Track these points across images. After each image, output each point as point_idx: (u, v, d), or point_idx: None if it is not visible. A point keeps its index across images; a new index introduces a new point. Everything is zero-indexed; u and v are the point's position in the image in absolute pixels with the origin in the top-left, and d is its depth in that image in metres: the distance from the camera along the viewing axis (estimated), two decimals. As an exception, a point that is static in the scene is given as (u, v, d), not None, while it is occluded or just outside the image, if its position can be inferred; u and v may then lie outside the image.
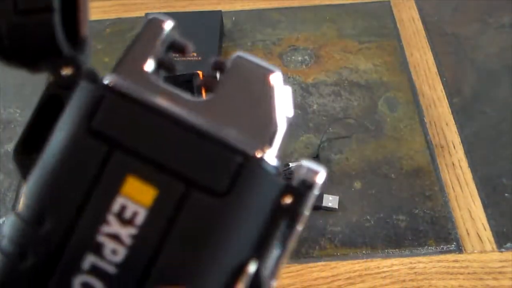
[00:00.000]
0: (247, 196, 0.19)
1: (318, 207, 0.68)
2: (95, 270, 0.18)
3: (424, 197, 0.70)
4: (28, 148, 0.20)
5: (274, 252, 0.19)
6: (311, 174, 0.19)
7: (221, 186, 0.18)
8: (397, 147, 0.75)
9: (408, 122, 0.78)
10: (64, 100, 0.20)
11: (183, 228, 0.18)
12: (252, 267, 0.19)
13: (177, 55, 0.21)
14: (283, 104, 0.20)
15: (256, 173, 0.19)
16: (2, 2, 0.20)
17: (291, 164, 0.70)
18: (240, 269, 0.19)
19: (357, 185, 0.72)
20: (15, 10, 0.20)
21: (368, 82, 0.83)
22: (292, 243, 0.19)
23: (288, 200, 0.19)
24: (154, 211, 0.18)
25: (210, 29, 0.85)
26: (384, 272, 0.64)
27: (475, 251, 0.65)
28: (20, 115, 0.82)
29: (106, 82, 0.20)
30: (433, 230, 0.67)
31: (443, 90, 0.82)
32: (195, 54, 0.80)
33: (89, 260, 0.18)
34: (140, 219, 0.18)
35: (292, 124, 0.20)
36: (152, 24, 0.21)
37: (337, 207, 0.69)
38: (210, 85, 0.20)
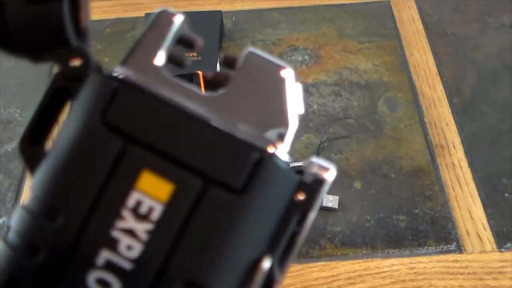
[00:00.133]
0: (264, 193, 0.19)
1: (318, 207, 0.68)
2: (110, 266, 0.18)
3: (424, 197, 0.70)
4: (35, 140, 0.20)
5: (284, 247, 0.19)
6: (322, 171, 0.20)
7: (238, 183, 0.18)
8: (397, 147, 0.75)
9: (408, 122, 0.78)
10: (72, 93, 0.20)
11: (200, 224, 0.18)
12: (266, 263, 0.19)
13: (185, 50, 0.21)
14: (295, 100, 0.20)
15: (272, 169, 0.19)
16: None
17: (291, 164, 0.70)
18: (255, 265, 0.19)
19: (357, 185, 0.72)
20: None
21: (368, 82, 0.83)
22: (302, 239, 0.19)
23: (301, 196, 0.19)
24: (170, 206, 0.18)
25: (210, 29, 0.85)
26: (384, 272, 0.64)
27: (475, 251, 0.65)
28: (20, 115, 0.81)
29: (117, 74, 0.19)
30: (433, 230, 0.67)
31: (443, 90, 0.82)
32: (195, 54, 0.80)
33: (104, 255, 0.18)
34: (156, 214, 0.18)
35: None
36: (162, 17, 0.20)
37: (337, 207, 0.69)
38: (221, 81, 0.20)
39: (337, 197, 0.69)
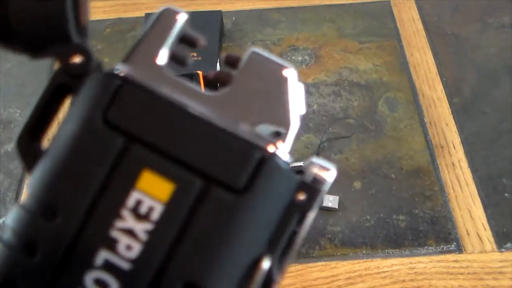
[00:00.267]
0: (265, 193, 0.19)
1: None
2: (108, 266, 0.18)
3: (424, 197, 0.70)
4: (33, 136, 0.20)
5: (283, 247, 0.19)
6: (323, 171, 0.19)
7: (240, 183, 0.18)
8: (397, 147, 0.75)
9: (408, 122, 0.78)
10: (73, 89, 0.20)
11: (200, 224, 0.18)
12: (266, 263, 0.18)
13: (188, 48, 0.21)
14: (297, 101, 0.20)
15: (273, 169, 0.19)
16: None
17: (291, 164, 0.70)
18: (254, 265, 0.18)
19: (357, 185, 0.72)
20: None
21: (368, 82, 0.83)
22: (301, 239, 0.19)
23: (301, 196, 0.19)
24: (171, 206, 0.18)
25: (210, 29, 0.85)
26: (384, 272, 0.64)
27: (475, 251, 0.65)
28: (20, 115, 0.81)
29: (119, 72, 0.19)
30: (433, 230, 0.67)
31: (443, 90, 0.82)
32: (195, 54, 0.80)
33: (103, 255, 0.18)
34: (156, 214, 0.18)
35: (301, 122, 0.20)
36: (166, 15, 0.20)
37: (337, 207, 0.69)
38: (223, 80, 0.20)
39: (337, 197, 0.69)
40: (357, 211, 0.69)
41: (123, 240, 0.18)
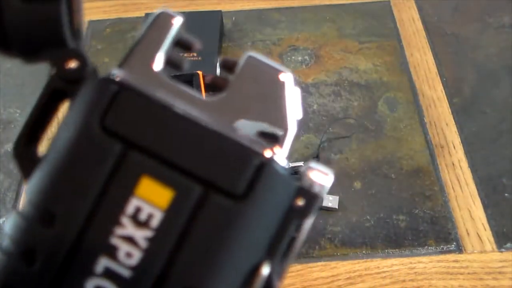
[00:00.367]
0: (264, 199, 0.18)
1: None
2: (108, 274, 0.18)
3: (424, 197, 0.70)
4: (29, 143, 0.20)
5: (282, 253, 0.19)
6: (321, 176, 0.19)
7: (239, 189, 0.18)
8: (397, 147, 0.75)
9: (408, 122, 0.78)
10: (68, 95, 0.20)
11: (200, 231, 0.18)
12: (265, 269, 0.18)
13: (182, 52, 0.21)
14: (294, 105, 0.20)
15: (272, 175, 0.19)
16: None
17: (290, 164, 0.70)
18: (254, 271, 0.18)
19: (357, 185, 0.72)
20: None
21: (368, 82, 0.83)
22: (300, 244, 0.19)
23: (300, 202, 0.19)
24: (170, 213, 0.18)
25: (210, 29, 0.85)
26: (384, 272, 0.64)
27: (475, 251, 0.65)
28: (20, 115, 0.81)
29: (116, 77, 0.19)
30: (433, 230, 0.67)
31: (443, 90, 0.82)
32: (195, 54, 0.80)
33: (103, 263, 0.18)
34: (156, 221, 0.18)
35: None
36: (161, 19, 0.20)
37: (337, 207, 0.69)
38: (220, 85, 0.20)
39: (337, 197, 0.69)
40: (357, 211, 0.69)
41: (123, 247, 0.18)
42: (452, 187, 0.71)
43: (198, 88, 0.67)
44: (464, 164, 0.73)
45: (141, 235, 0.18)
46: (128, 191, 0.18)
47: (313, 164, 0.20)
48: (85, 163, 0.18)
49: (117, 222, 0.18)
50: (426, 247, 0.66)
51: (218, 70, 0.82)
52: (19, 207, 0.19)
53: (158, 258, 0.18)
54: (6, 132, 0.80)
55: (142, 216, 0.18)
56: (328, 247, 0.66)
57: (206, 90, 0.66)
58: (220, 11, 0.89)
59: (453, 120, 0.78)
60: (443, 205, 0.69)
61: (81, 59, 0.20)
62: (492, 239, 0.66)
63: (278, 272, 0.19)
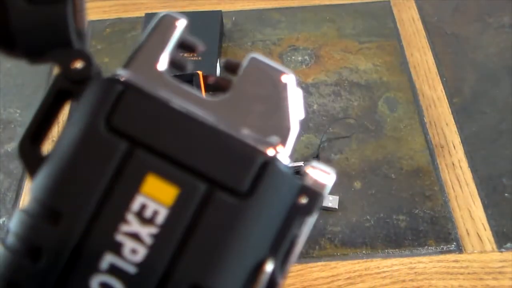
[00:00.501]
0: (268, 196, 0.19)
1: (318, 207, 0.68)
2: (114, 270, 0.18)
3: (424, 197, 0.70)
4: (35, 142, 0.20)
5: (285, 250, 0.19)
6: (323, 175, 0.20)
7: (244, 186, 0.18)
8: (397, 147, 0.75)
9: (408, 122, 0.78)
10: (74, 95, 0.20)
11: (205, 228, 0.18)
12: (269, 266, 0.19)
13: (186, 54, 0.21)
14: (296, 106, 0.20)
15: (276, 173, 0.19)
16: None
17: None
18: (258, 268, 0.19)
19: (357, 185, 0.72)
20: None
21: (368, 82, 0.83)
22: (303, 242, 0.19)
23: (303, 200, 0.19)
24: (175, 210, 0.18)
25: (210, 29, 0.85)
26: (384, 272, 0.64)
27: (475, 251, 0.65)
28: (20, 115, 0.82)
29: (121, 77, 0.19)
30: (433, 230, 0.67)
31: (443, 90, 0.82)
32: (195, 54, 0.80)
33: (108, 259, 0.18)
34: (161, 218, 0.18)
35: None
36: (165, 21, 0.21)
37: (337, 207, 0.69)
38: (223, 86, 0.20)
39: (337, 197, 0.69)
40: (357, 211, 0.69)
41: (128, 244, 0.18)
42: (452, 187, 0.71)
43: (198, 87, 0.67)
44: (464, 164, 0.73)
45: (146, 231, 0.18)
46: (134, 188, 0.18)
47: (315, 163, 0.20)
48: (91, 161, 0.18)
49: (122, 219, 0.18)
50: (426, 247, 0.66)
51: (218, 70, 0.82)
52: (24, 205, 0.19)
53: (163, 254, 0.18)
54: (6, 132, 0.80)
55: (147, 213, 0.18)
56: (328, 247, 0.66)
57: (207, 90, 0.66)
58: (220, 11, 0.89)
59: (453, 120, 0.78)
60: (443, 205, 0.69)
61: (86, 59, 0.20)
62: (492, 239, 0.66)
63: (281, 269, 0.19)
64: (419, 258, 0.65)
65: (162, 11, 0.21)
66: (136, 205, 0.18)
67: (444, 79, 0.83)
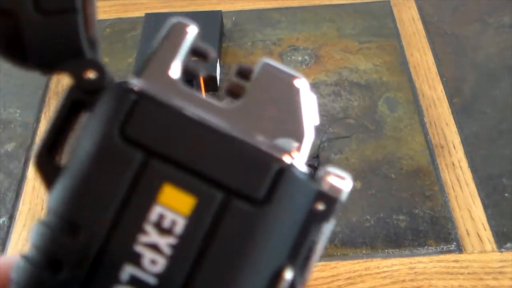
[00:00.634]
0: (285, 203, 0.19)
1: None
2: (134, 281, 0.18)
3: (424, 197, 0.70)
4: (50, 154, 0.20)
5: (304, 257, 0.19)
6: (339, 180, 0.20)
7: (260, 194, 0.18)
8: (397, 147, 0.75)
9: (408, 122, 0.78)
10: (87, 105, 0.20)
11: (223, 236, 0.18)
12: (288, 274, 0.19)
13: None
14: (310, 111, 0.20)
15: (292, 180, 0.19)
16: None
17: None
18: (277, 276, 0.19)
19: (357, 185, 0.72)
20: (37, 10, 0.19)
21: (368, 82, 0.83)
22: (320, 248, 0.19)
23: (320, 206, 0.19)
24: (193, 220, 0.18)
25: (210, 29, 0.85)
26: (384, 272, 0.64)
27: (475, 251, 0.65)
28: (20, 115, 0.82)
29: (134, 87, 0.19)
30: (433, 230, 0.67)
31: (443, 90, 0.82)
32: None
33: (128, 270, 0.18)
34: (179, 228, 0.18)
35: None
36: (177, 29, 0.20)
37: (337, 207, 0.69)
38: (237, 92, 0.20)
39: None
40: (357, 211, 0.69)
41: (148, 255, 0.18)
42: (452, 187, 0.71)
43: (198, 88, 0.67)
44: (464, 164, 0.73)
45: (165, 242, 0.18)
46: (151, 199, 0.18)
47: (331, 168, 0.20)
48: (107, 173, 0.18)
49: (141, 230, 0.18)
50: (426, 247, 0.66)
51: (218, 70, 0.82)
52: (42, 216, 0.19)
53: (183, 264, 0.18)
54: (6, 132, 0.80)
55: (166, 223, 0.18)
56: (328, 247, 0.66)
57: (207, 90, 0.66)
58: (220, 11, 0.89)
59: (453, 120, 0.78)
60: (443, 205, 0.69)
61: (99, 69, 0.20)
62: (492, 239, 0.66)
63: (300, 277, 0.19)
64: (419, 258, 0.65)
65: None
66: (154, 215, 0.18)
67: (444, 79, 0.83)
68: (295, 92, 0.20)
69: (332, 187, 0.20)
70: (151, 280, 0.18)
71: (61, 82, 0.84)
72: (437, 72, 0.84)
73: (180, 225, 0.18)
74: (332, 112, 0.79)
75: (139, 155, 0.18)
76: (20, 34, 0.19)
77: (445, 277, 0.63)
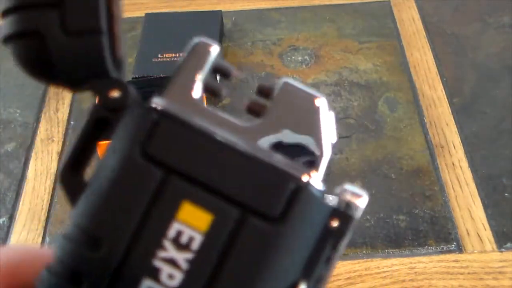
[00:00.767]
0: (301, 221, 0.19)
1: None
2: None
3: (424, 197, 0.70)
4: (75, 170, 0.21)
5: (318, 273, 0.20)
6: (355, 198, 0.20)
7: (276, 212, 0.19)
8: (397, 147, 0.75)
9: (408, 122, 0.78)
10: (112, 122, 0.20)
11: (239, 252, 0.19)
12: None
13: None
14: (328, 129, 0.21)
15: (308, 198, 0.19)
16: (46, 18, 0.20)
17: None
18: None
19: (357, 185, 0.72)
20: (64, 31, 0.20)
21: (368, 82, 0.83)
22: (334, 264, 0.20)
23: (335, 223, 0.20)
24: (210, 236, 0.19)
25: (210, 29, 0.85)
26: (384, 272, 0.64)
27: (475, 251, 0.65)
28: (20, 115, 0.82)
29: (157, 106, 0.20)
30: (433, 230, 0.67)
31: (443, 90, 0.82)
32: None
33: (146, 284, 0.18)
34: (196, 244, 0.19)
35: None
36: (199, 48, 0.21)
37: (337, 207, 0.69)
38: (257, 111, 0.21)
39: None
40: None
41: (166, 269, 0.18)
42: (452, 187, 0.71)
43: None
44: (464, 164, 0.73)
45: (182, 257, 0.18)
46: (170, 215, 0.19)
47: (347, 186, 0.20)
48: (128, 189, 0.19)
49: (159, 245, 0.19)
50: (426, 247, 0.66)
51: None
52: (65, 230, 0.20)
53: (199, 279, 0.18)
54: (6, 132, 0.80)
55: (183, 239, 0.19)
56: (328, 247, 0.66)
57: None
58: (220, 11, 0.89)
59: (453, 120, 0.78)
60: (443, 205, 0.69)
61: (123, 88, 0.21)
62: (492, 239, 0.66)
63: None
64: (419, 258, 0.65)
65: (196, 38, 0.22)
66: (172, 231, 0.19)
67: (444, 79, 0.83)
68: (315, 111, 0.21)
69: (348, 205, 0.20)
70: None
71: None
72: (437, 72, 0.84)
73: (197, 241, 0.19)
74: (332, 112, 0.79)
75: (159, 173, 0.19)
76: (48, 54, 0.20)
77: (445, 277, 0.63)
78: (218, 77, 0.23)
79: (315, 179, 0.20)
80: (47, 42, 0.20)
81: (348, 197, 0.20)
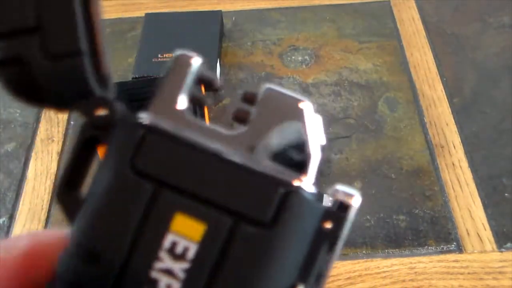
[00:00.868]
0: (293, 225, 0.19)
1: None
2: None
3: (424, 197, 0.70)
4: (70, 187, 0.21)
5: (316, 275, 0.20)
6: (347, 198, 0.20)
7: (267, 217, 0.19)
8: (397, 147, 0.75)
9: (408, 122, 0.78)
10: (101, 140, 0.21)
11: (233, 259, 0.19)
12: None
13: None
14: (315, 131, 0.21)
15: (298, 201, 0.19)
16: (26, 44, 0.20)
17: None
18: None
19: (357, 185, 0.72)
20: (45, 55, 0.20)
21: (368, 82, 0.83)
22: (331, 265, 0.20)
23: (328, 225, 0.20)
24: (204, 245, 0.19)
25: (210, 29, 0.85)
26: (384, 272, 0.64)
27: (475, 251, 0.65)
28: (20, 115, 0.82)
29: (143, 121, 0.20)
30: (433, 230, 0.67)
31: (443, 90, 0.82)
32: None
33: None
34: (191, 253, 0.19)
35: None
36: (181, 61, 0.21)
37: (337, 207, 0.69)
38: (243, 118, 0.21)
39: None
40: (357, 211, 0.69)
41: (163, 280, 0.19)
42: (452, 187, 0.71)
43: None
44: (464, 164, 0.73)
45: (179, 267, 0.19)
46: (164, 227, 0.19)
47: (339, 186, 0.20)
48: (121, 205, 0.20)
49: (155, 257, 0.19)
50: (426, 247, 0.66)
51: (218, 71, 0.82)
52: (66, 247, 0.20)
53: (196, 287, 0.19)
54: (6, 132, 0.80)
55: (178, 250, 0.19)
56: (328, 247, 0.66)
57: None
58: (220, 11, 0.89)
59: (453, 120, 0.78)
60: (443, 205, 0.69)
61: (109, 106, 0.21)
62: (492, 239, 0.66)
63: None
64: (419, 258, 0.65)
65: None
66: (167, 243, 0.19)
67: (444, 79, 0.83)
68: (299, 114, 0.21)
69: (340, 205, 0.20)
70: None
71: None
72: (437, 72, 0.84)
73: (192, 251, 0.19)
74: (332, 112, 0.79)
75: (149, 187, 0.19)
76: (32, 79, 0.20)
77: (445, 277, 0.63)
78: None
79: (305, 182, 0.20)
80: (30, 67, 0.20)
81: (340, 197, 0.20)
